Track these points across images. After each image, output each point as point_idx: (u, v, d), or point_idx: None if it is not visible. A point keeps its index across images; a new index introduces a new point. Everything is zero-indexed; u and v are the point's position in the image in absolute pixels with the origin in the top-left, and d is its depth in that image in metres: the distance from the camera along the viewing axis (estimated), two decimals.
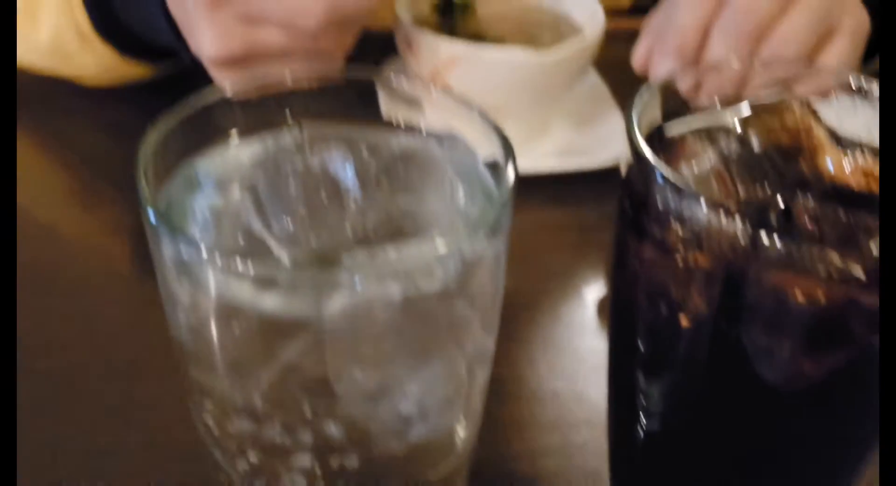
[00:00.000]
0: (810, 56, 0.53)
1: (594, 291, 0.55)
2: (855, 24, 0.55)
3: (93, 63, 0.64)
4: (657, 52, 0.54)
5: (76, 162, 0.64)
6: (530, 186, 0.59)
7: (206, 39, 0.53)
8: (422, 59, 0.58)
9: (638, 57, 0.55)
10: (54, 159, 0.65)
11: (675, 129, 0.35)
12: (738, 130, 0.35)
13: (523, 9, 0.66)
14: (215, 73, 0.55)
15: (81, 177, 0.63)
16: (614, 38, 0.64)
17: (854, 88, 0.35)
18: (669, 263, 0.33)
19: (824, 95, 0.36)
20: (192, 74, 0.65)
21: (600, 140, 0.63)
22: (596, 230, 0.57)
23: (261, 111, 0.35)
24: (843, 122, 0.35)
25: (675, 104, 0.36)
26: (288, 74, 0.35)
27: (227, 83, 0.55)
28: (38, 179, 0.62)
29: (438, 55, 0.57)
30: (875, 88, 0.35)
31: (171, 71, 0.66)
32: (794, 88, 0.37)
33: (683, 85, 0.52)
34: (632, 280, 0.36)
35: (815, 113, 0.35)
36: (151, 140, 0.31)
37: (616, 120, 0.64)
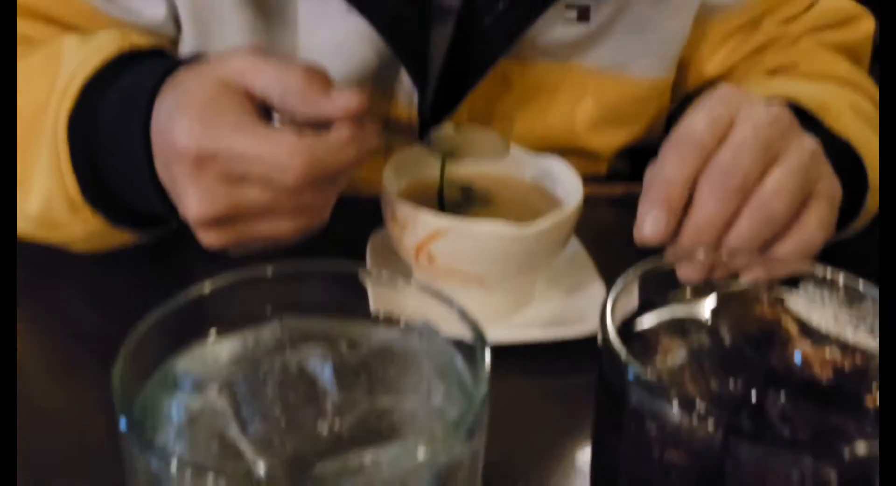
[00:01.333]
0: (793, 216, 0.55)
1: (578, 467, 0.54)
2: (831, 189, 0.57)
3: (82, 231, 0.65)
4: (644, 205, 0.55)
5: (60, 334, 0.64)
6: (513, 355, 0.60)
7: (190, 201, 0.54)
8: (406, 231, 0.60)
9: (636, 227, 0.57)
10: (37, 330, 0.65)
11: (649, 320, 0.36)
12: (709, 320, 0.36)
13: (505, 176, 0.69)
14: (201, 234, 0.56)
15: (67, 350, 0.63)
16: (593, 203, 0.66)
17: (820, 277, 0.36)
18: (646, 456, 0.33)
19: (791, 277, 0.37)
20: (180, 239, 0.67)
21: (583, 309, 0.64)
22: (580, 401, 0.56)
23: (242, 305, 0.35)
24: (811, 312, 0.35)
25: (650, 293, 0.37)
26: (272, 251, 0.36)
27: (213, 243, 0.57)
28: (20, 350, 0.62)
29: (423, 228, 0.59)
30: (841, 278, 0.36)
31: (160, 236, 0.68)
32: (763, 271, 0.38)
33: (663, 233, 0.54)
34: (612, 466, 0.36)
35: (783, 303, 0.36)
36: (130, 344, 0.31)
37: (598, 288, 0.65)
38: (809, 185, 0.56)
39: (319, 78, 0.55)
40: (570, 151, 0.84)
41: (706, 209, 0.54)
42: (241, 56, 0.57)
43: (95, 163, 0.62)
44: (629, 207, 0.61)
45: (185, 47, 0.77)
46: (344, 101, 0.54)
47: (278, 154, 0.52)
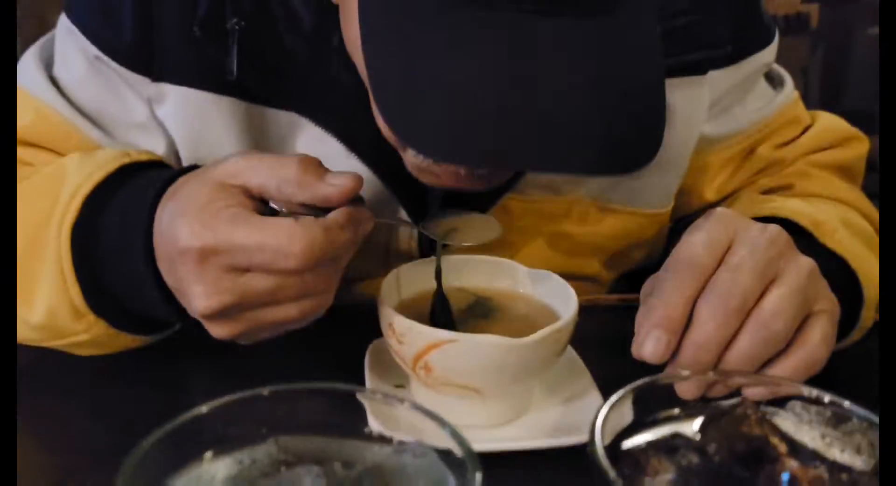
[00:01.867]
0: (795, 334, 0.56)
1: None
2: (830, 306, 0.58)
3: (86, 336, 0.66)
4: (645, 326, 0.56)
5: (61, 446, 0.64)
6: (509, 463, 0.59)
7: (198, 297, 0.55)
8: (404, 343, 0.61)
9: (634, 343, 0.57)
10: (38, 441, 0.65)
11: (639, 437, 0.37)
12: (699, 438, 0.36)
13: (501, 288, 0.70)
14: (211, 327, 0.57)
15: (67, 462, 0.63)
16: (589, 310, 0.67)
17: (807, 397, 0.37)
18: None
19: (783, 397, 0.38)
20: (179, 348, 0.68)
21: (579, 419, 0.64)
22: None
23: (238, 425, 0.36)
24: (798, 431, 0.36)
25: (642, 409, 0.38)
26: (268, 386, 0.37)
27: (223, 335, 0.58)
28: (20, 461, 0.62)
29: (419, 340, 0.60)
30: (827, 398, 0.36)
31: (163, 337, 0.69)
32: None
33: (663, 353, 0.54)
34: None
35: (771, 422, 0.37)
36: (128, 466, 0.32)
37: (593, 397, 0.66)
38: (808, 304, 0.57)
39: (313, 165, 0.57)
40: (571, 277, 0.85)
41: (706, 330, 0.55)
42: (235, 158, 0.59)
43: (99, 272, 0.64)
44: (624, 314, 0.62)
45: None
46: (339, 182, 0.57)
47: (279, 240, 0.54)
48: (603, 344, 0.66)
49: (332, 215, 0.57)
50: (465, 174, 0.64)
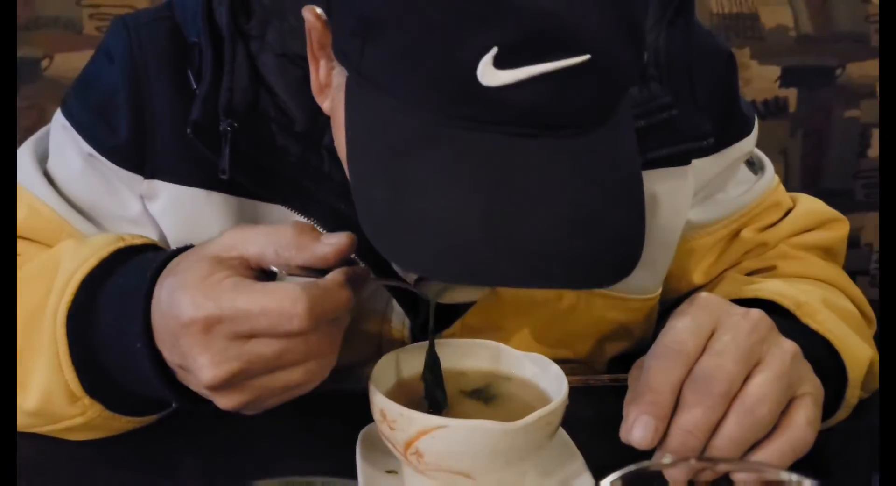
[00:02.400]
0: (780, 418, 0.56)
1: None
2: (814, 389, 0.59)
3: (81, 420, 0.66)
4: (633, 412, 0.57)
5: None
6: None
7: (203, 368, 0.56)
8: (396, 429, 0.61)
9: (623, 428, 0.58)
10: None
11: None
12: None
13: (490, 371, 0.71)
14: (218, 398, 0.57)
15: None
16: (580, 392, 0.67)
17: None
18: None
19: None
20: (174, 429, 0.67)
21: None
22: None
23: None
24: None
25: None
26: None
27: (230, 406, 0.57)
28: None
29: (410, 427, 0.60)
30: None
31: (157, 418, 0.69)
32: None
33: (651, 438, 0.55)
34: None
35: None
36: None
37: (585, 479, 0.65)
38: (792, 387, 0.58)
39: (308, 229, 0.59)
40: (561, 361, 0.86)
41: (692, 415, 0.56)
42: (229, 232, 0.60)
43: (94, 355, 0.64)
44: (616, 395, 0.63)
45: None
46: (335, 241, 0.58)
47: (281, 303, 0.55)
48: (595, 425, 0.67)
49: (330, 276, 0.58)
50: None
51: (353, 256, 0.60)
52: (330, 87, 0.68)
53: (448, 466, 0.61)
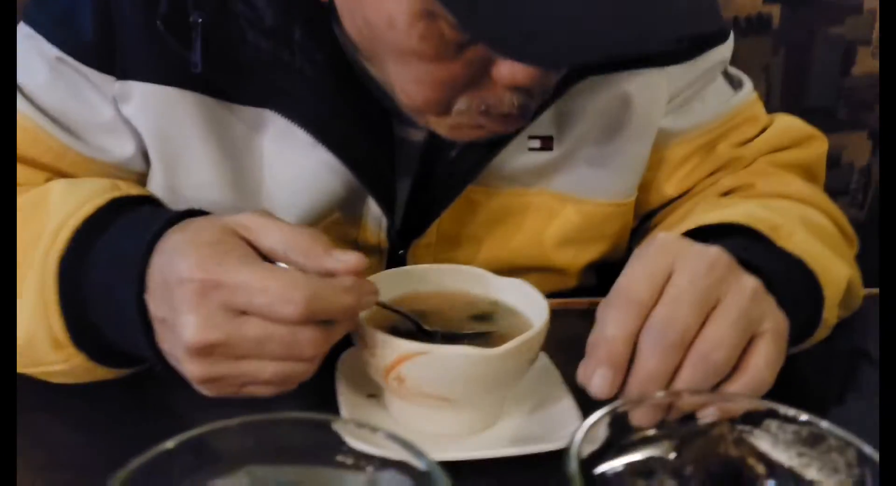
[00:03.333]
0: (737, 360, 0.56)
1: None
2: (775, 326, 0.58)
3: (64, 367, 0.64)
4: (590, 364, 0.57)
5: (38, 463, 0.63)
6: (484, 472, 0.60)
7: (187, 327, 0.54)
8: (376, 355, 0.60)
9: (580, 373, 0.58)
10: (30, 462, 0.64)
11: (615, 461, 0.37)
12: (675, 460, 0.36)
13: (471, 297, 0.70)
14: (189, 363, 0.56)
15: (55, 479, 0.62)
16: (560, 315, 0.67)
17: (782, 415, 0.37)
18: None
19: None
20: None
21: (553, 425, 0.64)
22: None
23: (210, 455, 0.35)
24: (775, 450, 0.36)
25: (617, 433, 0.38)
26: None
27: (196, 375, 0.57)
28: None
29: (392, 353, 0.60)
30: (802, 417, 0.36)
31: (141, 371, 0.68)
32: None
33: (609, 389, 0.55)
34: None
35: (747, 442, 0.37)
36: None
37: (567, 403, 0.66)
38: (752, 327, 0.58)
39: (323, 240, 0.57)
40: (537, 269, 0.86)
41: (648, 365, 0.56)
42: (249, 214, 0.58)
43: (83, 306, 0.62)
44: (594, 318, 0.62)
45: (154, 181, 0.78)
46: (346, 258, 0.56)
47: (283, 286, 0.54)
48: (575, 348, 0.66)
49: (339, 278, 0.56)
50: (513, 114, 0.68)
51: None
52: None
53: (428, 391, 0.61)
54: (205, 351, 0.54)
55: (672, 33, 0.62)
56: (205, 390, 0.57)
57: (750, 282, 0.59)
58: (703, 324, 0.56)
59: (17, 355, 0.64)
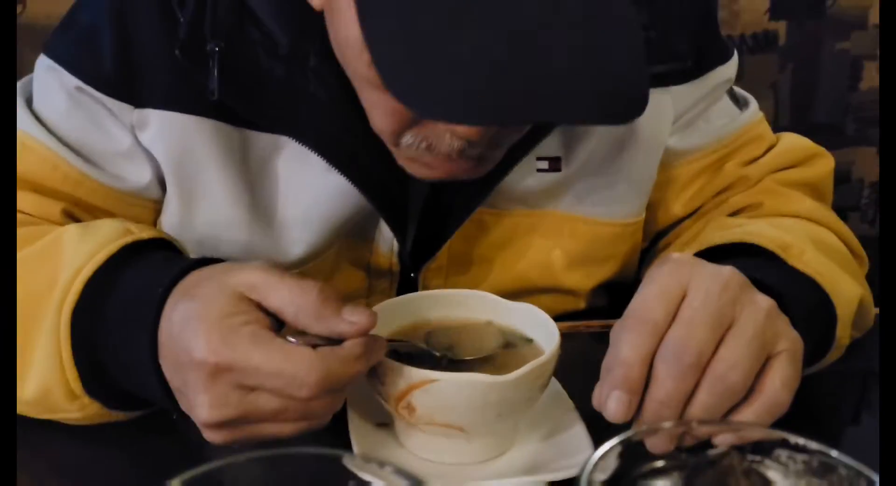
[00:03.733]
0: (753, 381, 0.56)
1: None
2: (790, 345, 0.58)
3: (78, 415, 0.65)
4: (605, 387, 0.56)
5: None
6: None
7: (201, 407, 0.55)
8: (386, 383, 0.60)
9: (595, 396, 0.58)
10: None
11: None
12: None
13: (482, 325, 0.70)
14: (208, 433, 0.57)
15: None
16: (571, 338, 0.67)
17: (792, 444, 0.37)
18: None
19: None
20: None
21: (564, 452, 0.64)
22: None
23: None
24: (785, 479, 0.36)
25: (627, 463, 0.38)
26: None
27: (218, 441, 0.57)
28: None
29: (402, 381, 0.59)
30: (812, 446, 0.36)
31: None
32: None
33: (625, 413, 0.55)
34: None
35: (757, 472, 0.36)
36: None
37: (579, 429, 0.65)
38: (767, 347, 0.57)
39: (332, 298, 0.57)
40: (547, 290, 0.86)
41: (664, 388, 0.55)
42: (254, 270, 0.58)
43: (97, 357, 0.63)
44: (607, 341, 0.62)
45: (170, 208, 0.79)
46: (356, 319, 0.56)
47: (296, 369, 0.54)
48: (586, 371, 0.66)
49: (348, 346, 0.57)
50: (458, 158, 0.67)
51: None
52: None
53: (440, 419, 0.61)
54: (222, 425, 0.56)
55: (595, 105, 0.60)
56: (231, 446, 0.58)
57: (764, 302, 0.59)
58: (718, 345, 0.56)
59: (34, 404, 0.65)
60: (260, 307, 0.57)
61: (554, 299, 0.86)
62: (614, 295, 0.92)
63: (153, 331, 0.58)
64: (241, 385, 0.55)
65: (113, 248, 0.64)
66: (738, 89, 0.91)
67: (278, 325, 0.58)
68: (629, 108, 0.60)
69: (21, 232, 0.70)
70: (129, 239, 0.65)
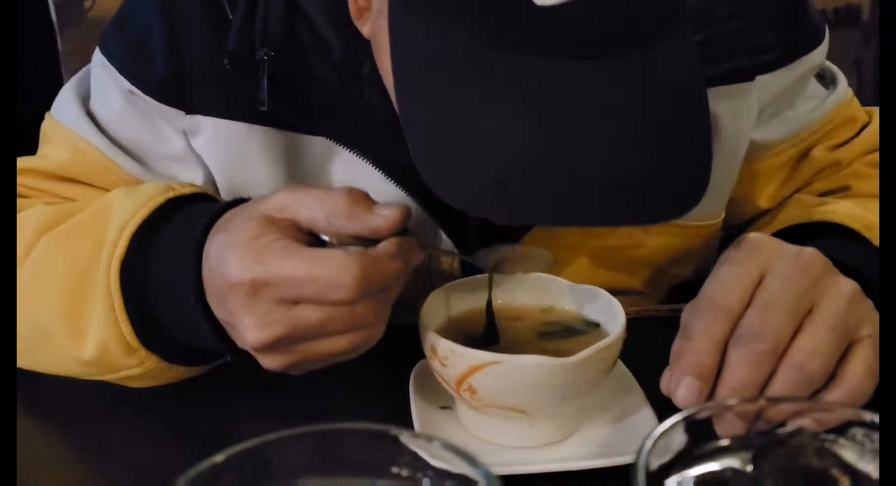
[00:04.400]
0: (834, 369, 0.53)
1: None
2: (874, 331, 0.55)
3: (138, 371, 0.66)
4: (676, 373, 0.54)
5: (114, 477, 0.64)
6: (560, 483, 0.58)
7: (248, 329, 0.55)
8: (447, 365, 0.59)
9: (664, 381, 0.56)
10: (90, 469, 0.66)
11: (688, 472, 0.35)
12: (753, 472, 0.34)
13: (547, 306, 0.69)
14: (262, 358, 0.57)
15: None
16: (638, 322, 0.65)
17: (868, 422, 0.34)
18: None
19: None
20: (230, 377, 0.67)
21: (630, 436, 0.62)
22: None
23: (264, 469, 0.35)
24: (861, 459, 0.34)
25: (690, 441, 0.36)
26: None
27: (274, 366, 0.57)
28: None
29: (462, 363, 0.58)
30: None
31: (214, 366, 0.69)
32: (809, 421, 0.36)
33: (696, 400, 0.53)
34: None
35: (832, 452, 0.34)
36: None
37: (646, 414, 0.63)
38: (850, 333, 0.54)
39: (362, 198, 0.57)
40: (620, 292, 0.83)
41: (738, 375, 0.53)
42: (282, 193, 0.58)
43: (149, 308, 0.64)
44: (676, 325, 0.60)
45: None
46: (387, 213, 0.56)
47: (330, 272, 0.54)
48: (654, 357, 0.64)
49: (381, 246, 0.56)
50: None
51: (407, 226, 0.58)
52: (370, 10, 0.66)
53: (502, 402, 0.60)
54: (272, 346, 0.55)
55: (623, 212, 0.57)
56: (291, 373, 0.58)
57: (847, 285, 0.56)
58: (796, 331, 0.54)
59: (94, 364, 0.66)
60: (293, 226, 0.57)
61: (623, 300, 0.83)
62: (688, 294, 0.89)
63: (197, 272, 0.59)
64: (282, 300, 0.54)
65: (154, 203, 0.65)
66: (824, 64, 0.86)
67: (315, 242, 0.57)
68: (674, 206, 0.57)
69: (73, 204, 0.72)
70: (170, 194, 0.66)
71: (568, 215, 0.57)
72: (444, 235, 0.78)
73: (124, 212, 0.65)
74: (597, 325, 0.66)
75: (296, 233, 0.57)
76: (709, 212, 0.83)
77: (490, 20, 0.55)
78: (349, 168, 0.76)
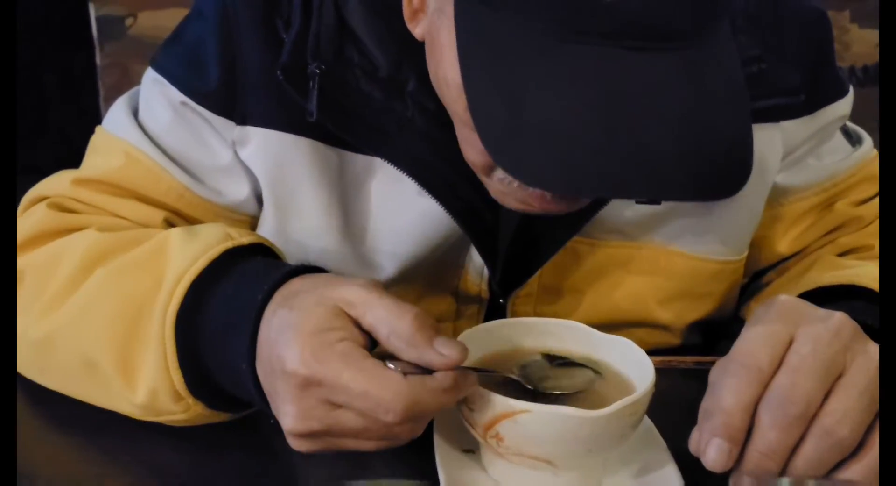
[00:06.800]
0: (864, 436, 0.53)
1: None
2: None
3: (183, 416, 0.66)
4: (705, 433, 0.55)
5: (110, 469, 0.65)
6: None
7: (287, 416, 0.56)
8: (475, 411, 0.60)
9: (693, 441, 0.56)
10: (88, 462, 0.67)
11: None
12: None
13: (576, 357, 0.69)
14: (292, 441, 0.58)
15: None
16: (664, 374, 0.65)
17: None
18: None
19: None
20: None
21: None
22: None
23: None
24: None
25: None
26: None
27: (302, 449, 0.58)
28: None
29: (491, 410, 0.59)
30: None
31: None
32: None
33: (725, 462, 0.53)
34: None
35: None
36: None
37: (669, 470, 0.63)
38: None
39: (427, 325, 0.57)
40: (639, 324, 0.84)
41: (767, 439, 0.53)
42: (355, 287, 0.58)
43: (200, 359, 0.64)
44: (700, 379, 0.60)
45: (265, 224, 0.80)
46: (448, 352, 0.56)
47: (383, 394, 0.54)
48: (679, 409, 0.65)
49: (439, 378, 0.56)
50: (552, 199, 0.67)
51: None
52: (424, 12, 0.69)
53: (528, 451, 0.60)
54: (306, 436, 0.57)
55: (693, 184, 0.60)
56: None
57: (877, 351, 0.56)
58: (826, 396, 0.54)
59: (144, 407, 0.66)
60: (356, 324, 0.57)
61: (647, 332, 0.84)
62: (710, 332, 0.89)
63: (252, 336, 0.60)
64: (328, 401, 0.55)
65: (213, 253, 0.65)
66: (850, 124, 0.88)
67: (372, 344, 0.58)
68: (727, 184, 0.60)
69: (127, 234, 0.72)
70: (229, 244, 0.67)
71: (630, 188, 0.60)
72: (475, 252, 0.80)
73: (183, 260, 0.65)
74: (624, 376, 0.66)
75: (358, 333, 0.57)
76: (731, 248, 0.84)
77: (556, 13, 0.58)
78: (389, 182, 0.78)
